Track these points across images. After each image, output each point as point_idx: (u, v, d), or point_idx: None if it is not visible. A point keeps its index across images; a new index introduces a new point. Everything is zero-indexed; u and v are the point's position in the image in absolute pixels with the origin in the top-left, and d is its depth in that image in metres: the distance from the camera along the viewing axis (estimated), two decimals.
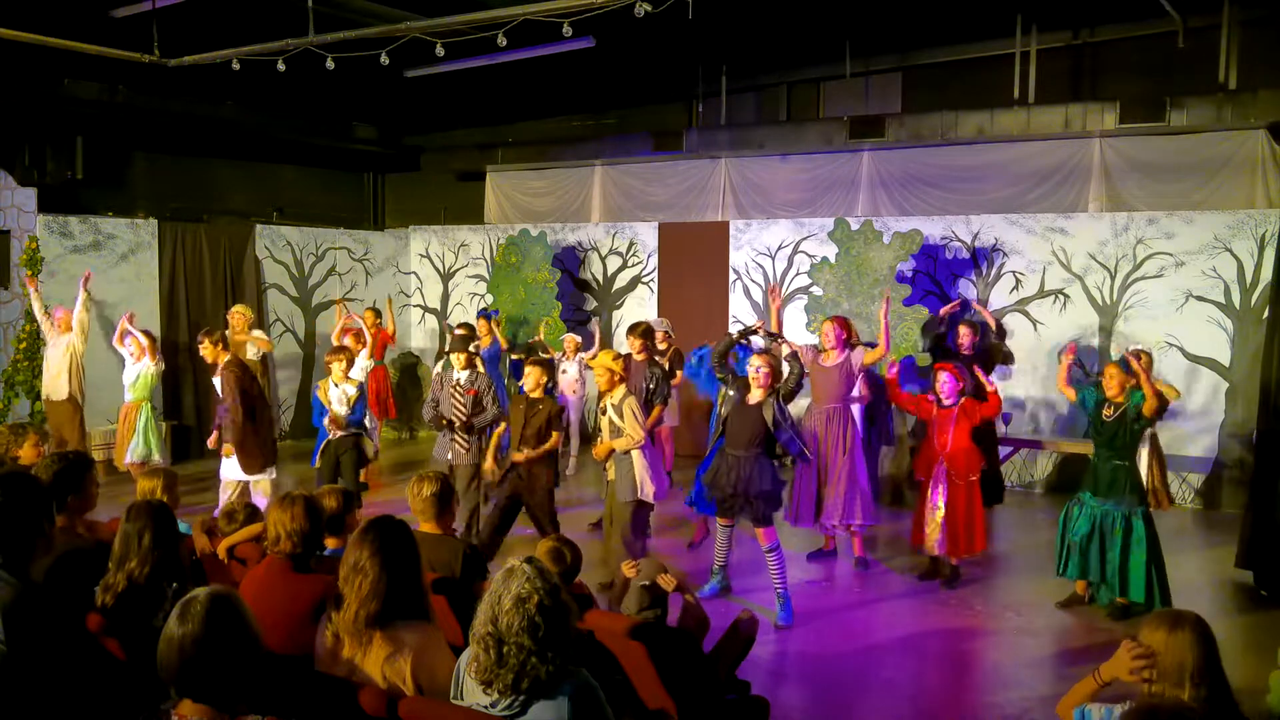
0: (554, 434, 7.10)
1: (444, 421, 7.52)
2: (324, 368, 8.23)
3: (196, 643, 2.33)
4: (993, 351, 8.83)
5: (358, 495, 7.72)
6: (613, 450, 6.61)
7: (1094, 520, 6.52)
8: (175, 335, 11.49)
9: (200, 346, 7.94)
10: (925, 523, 7.10)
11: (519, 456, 7.00)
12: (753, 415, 6.31)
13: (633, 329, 8.07)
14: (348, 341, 9.58)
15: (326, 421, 7.79)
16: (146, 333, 9.13)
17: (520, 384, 7.56)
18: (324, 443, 7.89)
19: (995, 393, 7.11)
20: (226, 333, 9.64)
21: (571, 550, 4.33)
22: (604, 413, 6.70)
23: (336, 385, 7.87)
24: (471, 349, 7.92)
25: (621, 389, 6.63)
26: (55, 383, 9.21)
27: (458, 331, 8.89)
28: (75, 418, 9.20)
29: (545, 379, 7.39)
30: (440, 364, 8.58)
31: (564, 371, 10.44)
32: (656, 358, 8.40)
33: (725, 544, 6.72)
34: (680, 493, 9.80)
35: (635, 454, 6.57)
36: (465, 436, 7.47)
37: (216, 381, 7.95)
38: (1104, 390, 6.55)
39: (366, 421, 8.22)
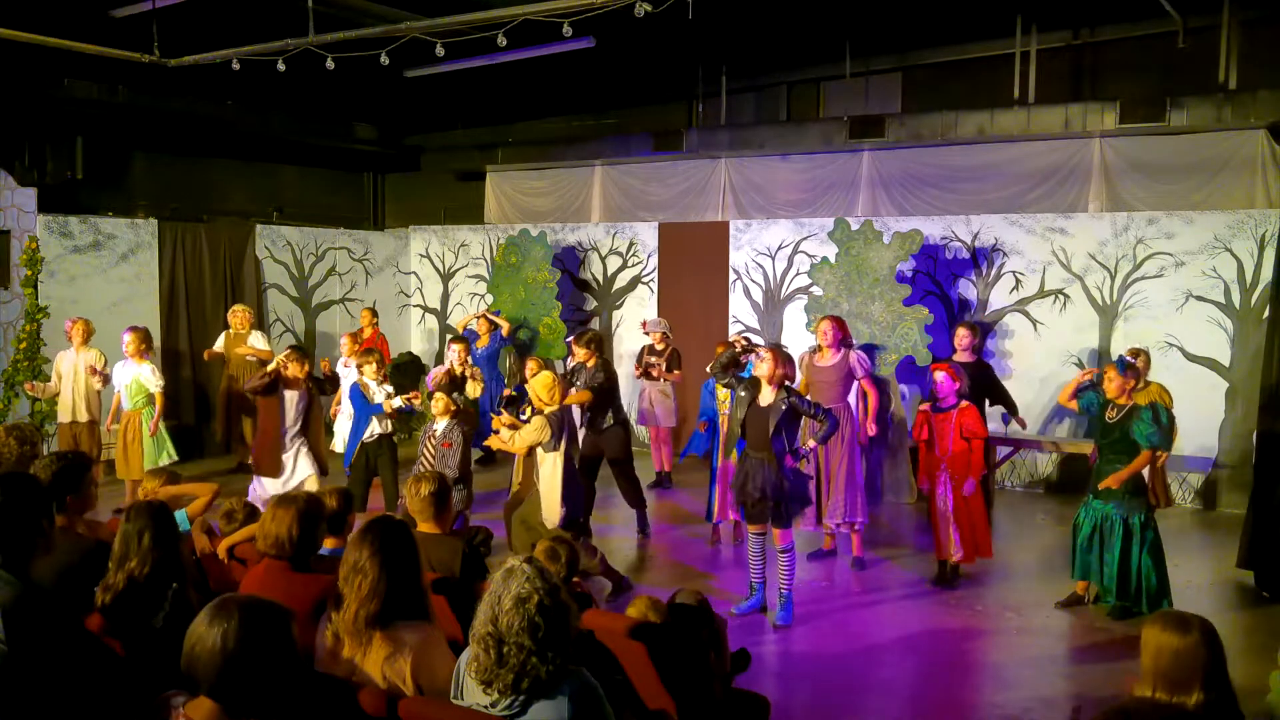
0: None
1: None
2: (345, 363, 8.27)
3: (235, 650, 2.31)
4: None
5: (398, 494, 7.75)
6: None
7: (1095, 522, 6.53)
8: (175, 335, 11.50)
9: (295, 364, 7.68)
10: (940, 531, 7.12)
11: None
12: (766, 416, 6.23)
13: (579, 337, 8.14)
14: (344, 344, 9.56)
15: (378, 416, 7.86)
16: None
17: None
18: (358, 445, 7.90)
19: (970, 408, 7.08)
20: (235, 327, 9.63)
21: (569, 550, 4.34)
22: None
23: (374, 383, 7.89)
24: (456, 397, 7.77)
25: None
26: (76, 406, 8.93)
27: (447, 367, 8.62)
28: (94, 435, 9.13)
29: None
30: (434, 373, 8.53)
31: None
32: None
33: (759, 555, 6.48)
34: (681, 493, 9.84)
35: (546, 474, 6.44)
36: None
37: (291, 395, 7.72)
38: (1104, 393, 6.56)
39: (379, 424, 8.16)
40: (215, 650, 2.30)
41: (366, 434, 7.92)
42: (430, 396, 7.77)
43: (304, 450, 7.82)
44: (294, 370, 7.63)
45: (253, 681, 2.33)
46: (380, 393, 7.90)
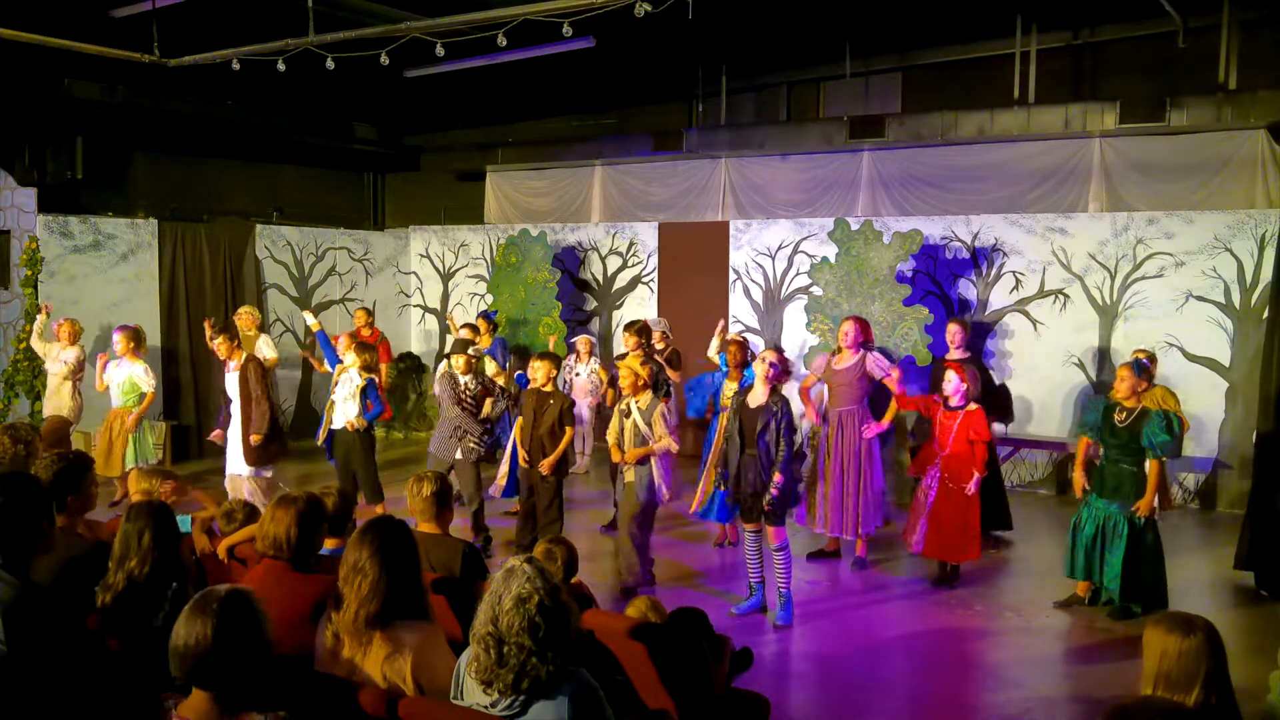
0: (568, 429, 7.14)
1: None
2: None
3: (212, 637, 2.35)
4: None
5: (379, 493, 7.75)
6: (646, 455, 6.59)
7: (1098, 522, 6.52)
8: (175, 335, 11.49)
9: (215, 343, 7.95)
10: (913, 518, 7.15)
11: (544, 466, 7.03)
12: (755, 416, 6.26)
13: (629, 326, 8.28)
14: (342, 344, 9.54)
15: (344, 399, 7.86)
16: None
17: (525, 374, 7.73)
18: (332, 434, 7.90)
19: (977, 412, 7.06)
20: (242, 329, 9.67)
21: (566, 550, 4.34)
22: (627, 415, 6.68)
23: (353, 370, 7.82)
24: (471, 352, 7.91)
25: (649, 395, 6.63)
26: (52, 400, 9.00)
27: (460, 334, 8.90)
28: (58, 431, 9.11)
29: (555, 372, 7.40)
30: (442, 364, 8.58)
31: (577, 374, 10.39)
32: (655, 356, 8.49)
33: (756, 554, 6.48)
34: (686, 491, 9.83)
35: (654, 458, 6.60)
36: (475, 429, 7.53)
37: (231, 378, 7.94)
38: (1114, 395, 6.55)
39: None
40: (199, 641, 2.35)
41: (337, 424, 7.86)
42: (445, 359, 8.01)
43: (238, 440, 7.86)
44: (221, 349, 7.91)
45: (235, 670, 2.36)
46: (346, 379, 7.83)
